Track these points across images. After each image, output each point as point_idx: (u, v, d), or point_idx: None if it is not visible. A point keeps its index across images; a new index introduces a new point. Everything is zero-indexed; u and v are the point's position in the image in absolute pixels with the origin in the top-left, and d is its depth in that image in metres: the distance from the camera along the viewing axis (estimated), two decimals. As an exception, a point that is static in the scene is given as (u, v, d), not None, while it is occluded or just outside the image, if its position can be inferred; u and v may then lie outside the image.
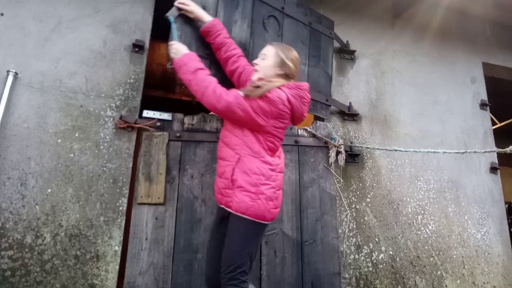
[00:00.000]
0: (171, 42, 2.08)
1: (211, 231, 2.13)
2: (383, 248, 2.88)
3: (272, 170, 1.87)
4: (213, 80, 1.89)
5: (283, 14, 2.75)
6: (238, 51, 2.28)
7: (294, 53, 2.03)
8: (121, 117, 2.49)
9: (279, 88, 1.87)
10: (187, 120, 2.59)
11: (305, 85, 1.98)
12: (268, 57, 1.99)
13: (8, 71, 2.33)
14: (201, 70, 1.93)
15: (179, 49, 2.03)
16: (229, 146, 1.91)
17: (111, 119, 2.49)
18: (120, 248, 2.30)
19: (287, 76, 1.97)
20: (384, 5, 3.61)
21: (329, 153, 2.81)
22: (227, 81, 2.26)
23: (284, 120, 1.91)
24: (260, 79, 1.92)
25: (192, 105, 6.14)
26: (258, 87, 1.82)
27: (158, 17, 2.89)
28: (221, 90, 1.85)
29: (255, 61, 2.04)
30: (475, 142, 3.55)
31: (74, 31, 2.59)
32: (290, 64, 1.97)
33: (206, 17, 2.25)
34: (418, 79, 3.56)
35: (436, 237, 3.09)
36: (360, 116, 3.18)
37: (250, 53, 2.49)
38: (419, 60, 3.64)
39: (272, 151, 1.93)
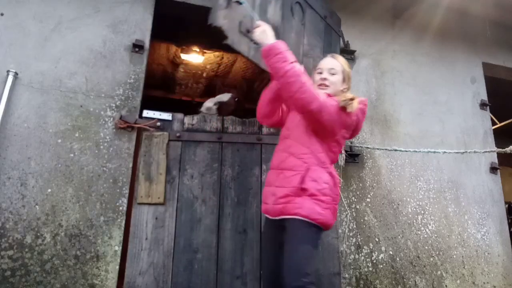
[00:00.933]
0: (258, 22, 1.84)
1: (267, 248, 1.96)
2: (383, 248, 2.88)
3: (334, 183, 1.81)
4: (309, 79, 1.76)
5: (306, 3, 2.61)
6: None
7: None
8: (121, 117, 2.49)
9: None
10: (187, 120, 2.59)
11: (366, 100, 1.97)
12: (338, 72, 1.94)
13: (8, 71, 2.33)
14: (297, 63, 1.75)
15: (267, 33, 1.80)
16: (296, 155, 1.81)
17: (111, 119, 2.49)
18: (120, 248, 2.30)
19: (347, 90, 1.97)
20: (384, 5, 3.61)
21: (329, 153, 2.81)
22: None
23: (349, 131, 1.90)
24: (328, 95, 1.85)
25: (192, 105, 6.15)
26: (352, 99, 1.80)
27: (158, 17, 2.89)
28: (316, 91, 1.75)
29: (323, 76, 1.95)
30: (475, 142, 3.55)
31: (74, 31, 2.59)
32: (350, 78, 2.00)
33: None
34: (418, 79, 3.56)
35: (436, 237, 3.08)
36: (360, 116, 3.18)
37: (281, 38, 2.17)
38: (419, 60, 3.64)
39: (332, 163, 1.88)
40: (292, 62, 1.71)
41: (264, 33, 1.80)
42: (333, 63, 1.98)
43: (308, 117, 1.79)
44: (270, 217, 1.85)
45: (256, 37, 1.83)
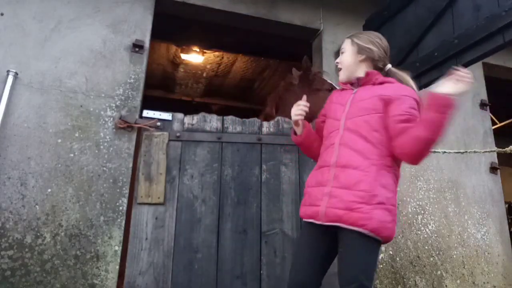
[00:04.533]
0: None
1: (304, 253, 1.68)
2: (383, 248, 2.88)
3: (397, 187, 1.61)
4: None
5: None
6: None
7: (374, 34, 1.82)
8: (121, 117, 2.49)
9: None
10: (187, 120, 2.59)
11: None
12: (347, 49, 1.80)
13: (8, 71, 2.33)
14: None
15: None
16: (362, 154, 1.56)
17: (111, 119, 2.49)
18: (120, 248, 2.30)
19: (373, 60, 1.74)
20: (384, 5, 3.61)
21: (329, 153, 2.81)
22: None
23: None
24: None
25: (192, 105, 6.15)
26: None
27: (158, 17, 2.89)
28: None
29: (337, 60, 1.85)
30: (475, 142, 3.54)
31: (74, 31, 2.59)
32: (370, 48, 1.74)
33: None
34: (418, 79, 3.56)
35: (436, 237, 3.08)
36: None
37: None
38: (419, 60, 3.64)
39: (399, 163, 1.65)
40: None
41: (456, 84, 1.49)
42: (343, 44, 1.86)
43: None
44: (316, 222, 1.58)
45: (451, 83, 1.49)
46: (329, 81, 2.70)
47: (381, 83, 1.69)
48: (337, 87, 2.47)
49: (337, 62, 1.85)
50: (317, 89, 2.68)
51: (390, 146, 1.57)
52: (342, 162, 1.58)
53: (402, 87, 1.66)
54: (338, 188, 1.54)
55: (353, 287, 1.43)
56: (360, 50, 1.75)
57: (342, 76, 1.79)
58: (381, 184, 1.52)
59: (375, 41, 1.77)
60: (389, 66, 1.78)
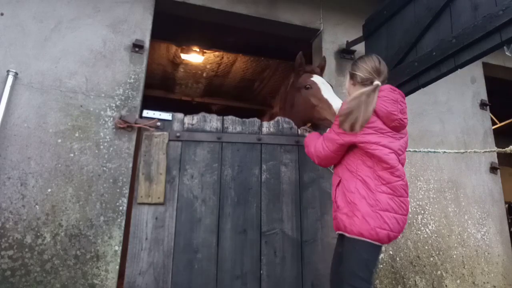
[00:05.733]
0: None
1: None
2: (383, 248, 2.88)
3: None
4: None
5: None
6: None
7: (364, 59, 2.06)
8: (121, 117, 2.49)
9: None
10: (187, 120, 2.59)
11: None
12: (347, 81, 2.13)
13: (8, 71, 2.33)
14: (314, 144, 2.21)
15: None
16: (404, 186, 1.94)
17: (111, 119, 2.49)
18: (120, 248, 2.30)
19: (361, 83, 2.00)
20: (383, 5, 3.61)
21: (329, 153, 2.80)
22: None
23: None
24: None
25: (192, 105, 6.15)
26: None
27: (158, 17, 2.90)
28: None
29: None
30: (475, 142, 3.55)
31: (74, 31, 2.59)
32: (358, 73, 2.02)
33: None
34: (418, 79, 3.56)
35: (436, 237, 3.08)
36: (360, 116, 3.18)
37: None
38: (419, 60, 3.64)
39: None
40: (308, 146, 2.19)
41: None
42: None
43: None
44: (379, 244, 1.82)
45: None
46: (312, 78, 2.62)
47: None
48: (321, 84, 2.52)
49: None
50: (298, 87, 2.67)
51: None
52: (404, 192, 1.91)
53: None
54: (403, 216, 1.89)
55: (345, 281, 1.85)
56: (352, 77, 2.09)
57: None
58: (342, 192, 1.94)
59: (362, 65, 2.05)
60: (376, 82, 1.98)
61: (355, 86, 2.02)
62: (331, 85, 2.62)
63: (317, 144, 2.09)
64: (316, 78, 2.61)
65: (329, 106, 2.41)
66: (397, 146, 1.88)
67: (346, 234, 1.85)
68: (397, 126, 1.92)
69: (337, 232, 1.98)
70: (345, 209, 1.87)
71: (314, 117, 2.52)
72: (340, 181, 1.97)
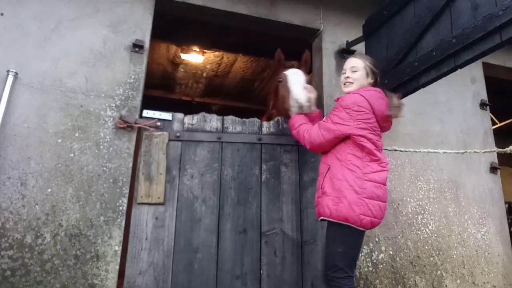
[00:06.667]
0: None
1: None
2: (383, 248, 2.88)
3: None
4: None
5: None
6: None
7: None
8: (121, 117, 2.49)
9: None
10: (187, 120, 2.59)
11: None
12: (360, 69, 2.20)
13: (8, 71, 2.33)
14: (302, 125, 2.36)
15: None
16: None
17: (111, 119, 2.49)
18: (120, 248, 2.30)
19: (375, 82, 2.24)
20: (383, 5, 3.61)
21: (329, 153, 2.81)
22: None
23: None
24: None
25: (192, 105, 6.15)
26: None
27: (158, 17, 2.89)
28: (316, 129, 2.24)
29: (346, 75, 2.23)
30: (475, 142, 3.54)
31: (74, 31, 2.59)
32: (376, 72, 2.25)
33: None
34: (418, 79, 3.56)
35: (436, 237, 3.08)
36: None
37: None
38: (419, 60, 3.63)
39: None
40: (296, 128, 2.27)
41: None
42: (354, 62, 2.23)
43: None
44: (362, 229, 1.97)
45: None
46: (284, 72, 2.74)
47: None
48: (290, 76, 2.64)
49: (348, 77, 2.22)
50: (275, 83, 2.81)
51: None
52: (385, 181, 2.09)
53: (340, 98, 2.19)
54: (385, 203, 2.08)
55: (327, 266, 1.98)
56: (371, 74, 2.22)
57: (350, 89, 2.20)
58: (330, 178, 2.04)
59: (375, 69, 2.25)
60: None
61: (369, 83, 2.24)
62: (307, 77, 2.71)
63: (311, 131, 2.17)
64: (288, 71, 2.72)
65: (290, 95, 2.49)
66: (381, 145, 2.11)
67: (330, 219, 1.96)
68: (384, 127, 2.16)
69: (320, 218, 2.07)
70: (332, 195, 1.98)
71: (284, 108, 2.61)
72: (329, 168, 2.07)
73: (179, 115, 2.58)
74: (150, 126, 2.48)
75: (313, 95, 2.38)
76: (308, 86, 2.48)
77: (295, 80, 2.60)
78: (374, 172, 1.98)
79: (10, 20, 2.48)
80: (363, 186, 1.93)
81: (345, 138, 2.06)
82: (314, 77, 3.26)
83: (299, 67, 2.82)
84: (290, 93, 2.50)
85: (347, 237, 1.94)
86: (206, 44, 4.24)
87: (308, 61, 2.93)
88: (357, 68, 2.20)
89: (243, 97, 6.09)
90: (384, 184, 2.02)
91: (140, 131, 2.51)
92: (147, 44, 2.72)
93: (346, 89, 2.22)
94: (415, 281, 2.89)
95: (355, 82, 2.19)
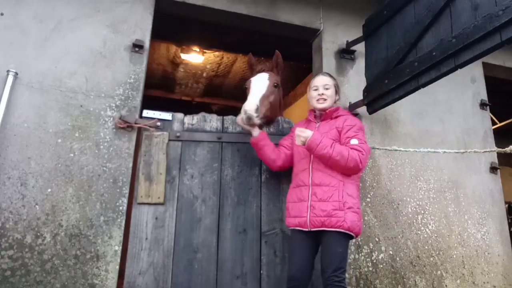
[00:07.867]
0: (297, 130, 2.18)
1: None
2: (383, 248, 2.88)
3: (359, 194, 2.29)
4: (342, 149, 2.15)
5: None
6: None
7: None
8: (121, 117, 2.49)
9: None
10: (187, 120, 2.59)
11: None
12: (331, 87, 2.33)
13: (8, 71, 2.33)
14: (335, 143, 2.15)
15: (304, 130, 2.18)
16: (330, 174, 2.14)
17: (111, 119, 2.49)
18: (120, 248, 2.30)
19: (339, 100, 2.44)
20: (383, 5, 3.61)
21: (329, 153, 2.80)
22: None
23: None
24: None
25: (192, 105, 6.15)
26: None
27: (158, 17, 2.90)
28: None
29: (320, 92, 2.31)
30: (475, 142, 3.54)
31: (74, 31, 2.59)
32: (340, 90, 2.45)
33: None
34: (418, 79, 3.56)
35: (436, 237, 3.08)
36: (360, 116, 3.18)
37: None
38: (419, 60, 3.63)
39: None
40: (331, 146, 2.06)
41: (302, 132, 2.10)
42: (326, 80, 2.35)
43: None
44: (304, 229, 2.10)
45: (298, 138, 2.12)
46: (250, 78, 2.74)
47: (336, 117, 2.26)
48: (252, 84, 2.63)
49: (322, 94, 2.30)
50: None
51: None
52: (316, 181, 2.11)
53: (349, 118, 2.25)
54: (317, 202, 2.06)
55: (333, 268, 1.99)
56: (338, 92, 2.40)
57: (325, 105, 2.30)
58: (348, 194, 2.06)
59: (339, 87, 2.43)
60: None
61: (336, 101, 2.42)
62: (278, 77, 2.70)
63: (361, 153, 2.08)
64: (254, 77, 2.70)
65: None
66: None
67: (348, 232, 2.04)
68: None
69: (313, 229, 2.07)
70: (356, 211, 2.08)
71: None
72: (343, 183, 2.10)
73: (179, 115, 2.58)
74: (150, 126, 2.48)
75: (264, 107, 2.39)
76: (268, 95, 2.47)
77: (255, 87, 2.55)
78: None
79: (10, 20, 2.48)
80: (358, 200, 2.15)
81: None
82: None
83: (270, 70, 2.74)
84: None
85: (346, 245, 2.13)
86: (206, 44, 4.24)
87: (280, 63, 2.82)
88: (329, 86, 2.32)
89: (243, 97, 6.08)
90: None
91: (140, 131, 2.51)
92: (147, 44, 2.72)
93: (320, 106, 2.30)
94: (415, 281, 2.90)
95: (328, 99, 2.30)
